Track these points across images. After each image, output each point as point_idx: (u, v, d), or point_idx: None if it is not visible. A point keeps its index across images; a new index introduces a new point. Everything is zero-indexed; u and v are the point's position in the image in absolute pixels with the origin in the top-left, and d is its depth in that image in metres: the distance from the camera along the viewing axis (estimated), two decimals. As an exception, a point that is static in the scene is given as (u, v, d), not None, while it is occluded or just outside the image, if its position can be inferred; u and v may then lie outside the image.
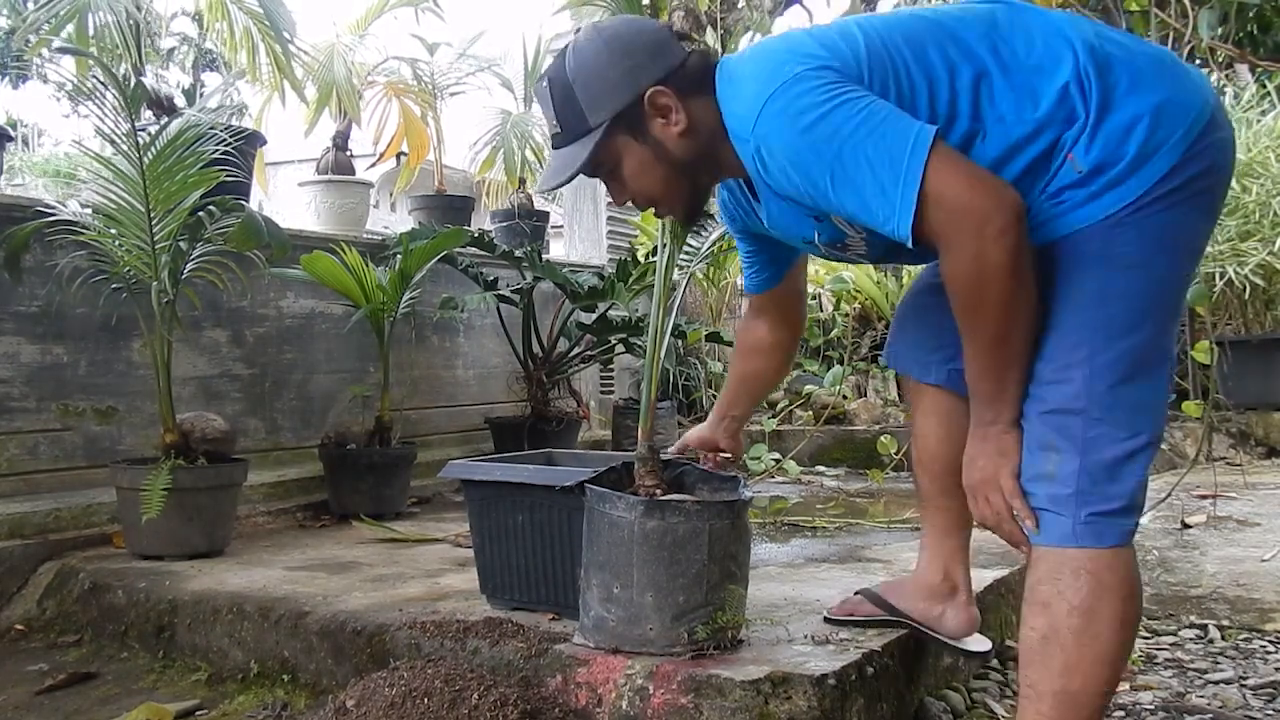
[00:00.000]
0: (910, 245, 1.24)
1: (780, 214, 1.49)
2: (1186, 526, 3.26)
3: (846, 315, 6.50)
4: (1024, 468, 1.32)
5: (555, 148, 1.49)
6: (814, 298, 6.87)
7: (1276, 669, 2.21)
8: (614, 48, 1.43)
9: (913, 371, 1.73)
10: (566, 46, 1.47)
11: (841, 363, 6.08)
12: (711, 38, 2.16)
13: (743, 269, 1.86)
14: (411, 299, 3.72)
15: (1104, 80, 1.28)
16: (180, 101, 3.62)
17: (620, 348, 4.62)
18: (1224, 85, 4.83)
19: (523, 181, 5.49)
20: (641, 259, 4.22)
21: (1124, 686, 2.08)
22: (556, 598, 2.04)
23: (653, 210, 1.55)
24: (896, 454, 4.71)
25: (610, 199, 5.99)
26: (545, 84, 1.46)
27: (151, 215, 2.79)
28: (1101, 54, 1.29)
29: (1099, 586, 1.26)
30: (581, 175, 1.47)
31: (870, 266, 6.58)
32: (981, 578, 2.32)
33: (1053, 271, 1.30)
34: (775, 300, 1.85)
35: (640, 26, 1.49)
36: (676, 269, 2.11)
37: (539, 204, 5.81)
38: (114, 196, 2.81)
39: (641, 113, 1.42)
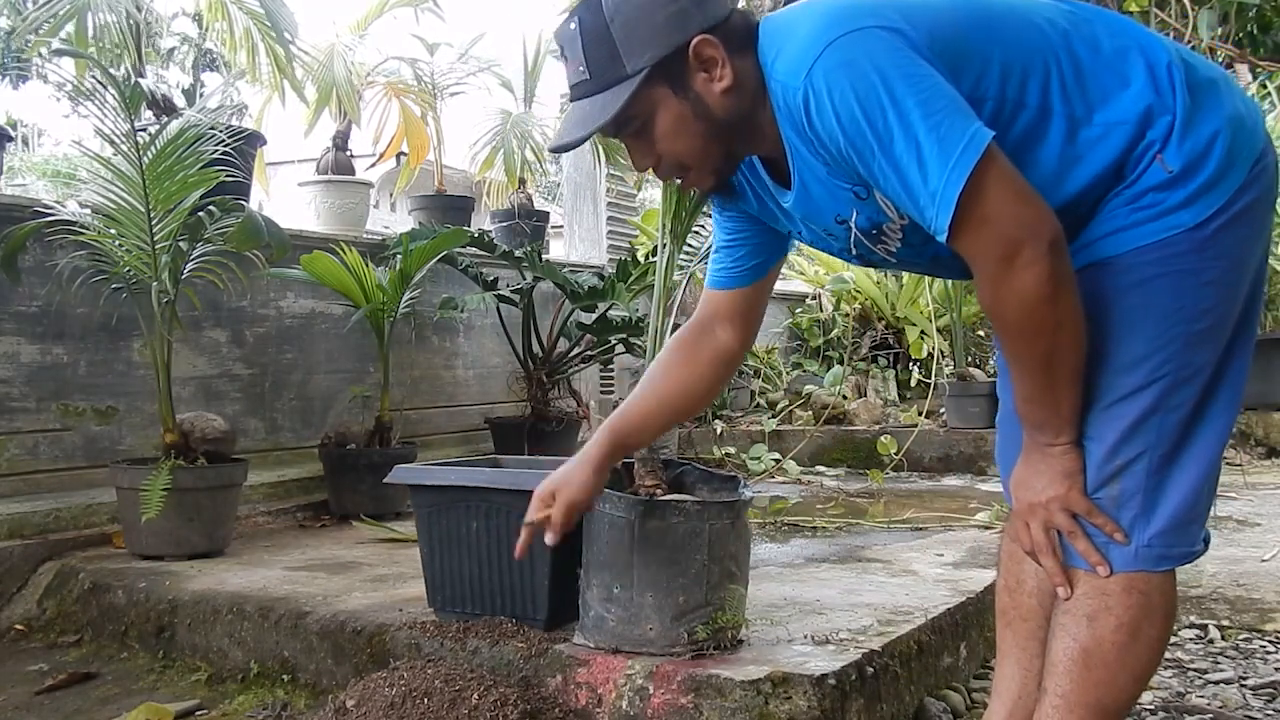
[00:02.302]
0: (947, 243, 1.16)
1: (816, 190, 1.32)
2: (1186, 526, 3.26)
3: (847, 315, 6.51)
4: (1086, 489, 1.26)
5: (577, 98, 1.31)
6: (814, 298, 6.88)
7: (1276, 669, 2.21)
8: None
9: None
10: None
11: (841, 363, 6.09)
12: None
13: (716, 260, 1.59)
14: (411, 299, 3.72)
15: (1190, 79, 1.24)
16: (180, 102, 3.62)
17: (620, 348, 4.62)
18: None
19: (523, 181, 5.50)
20: (641, 259, 4.22)
21: (1124, 686, 2.08)
22: (514, 608, 1.97)
23: (678, 180, 1.40)
24: (896, 454, 4.72)
25: (608, 191, 5.99)
26: (574, 24, 1.29)
27: (151, 215, 2.79)
28: (1179, 56, 1.25)
29: (1148, 605, 1.24)
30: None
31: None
32: (983, 578, 2.33)
33: (1134, 280, 1.22)
34: (747, 301, 1.58)
35: None
36: (676, 269, 2.11)
37: (539, 204, 5.81)
38: (114, 196, 2.81)
39: (684, 64, 1.27)
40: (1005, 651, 1.51)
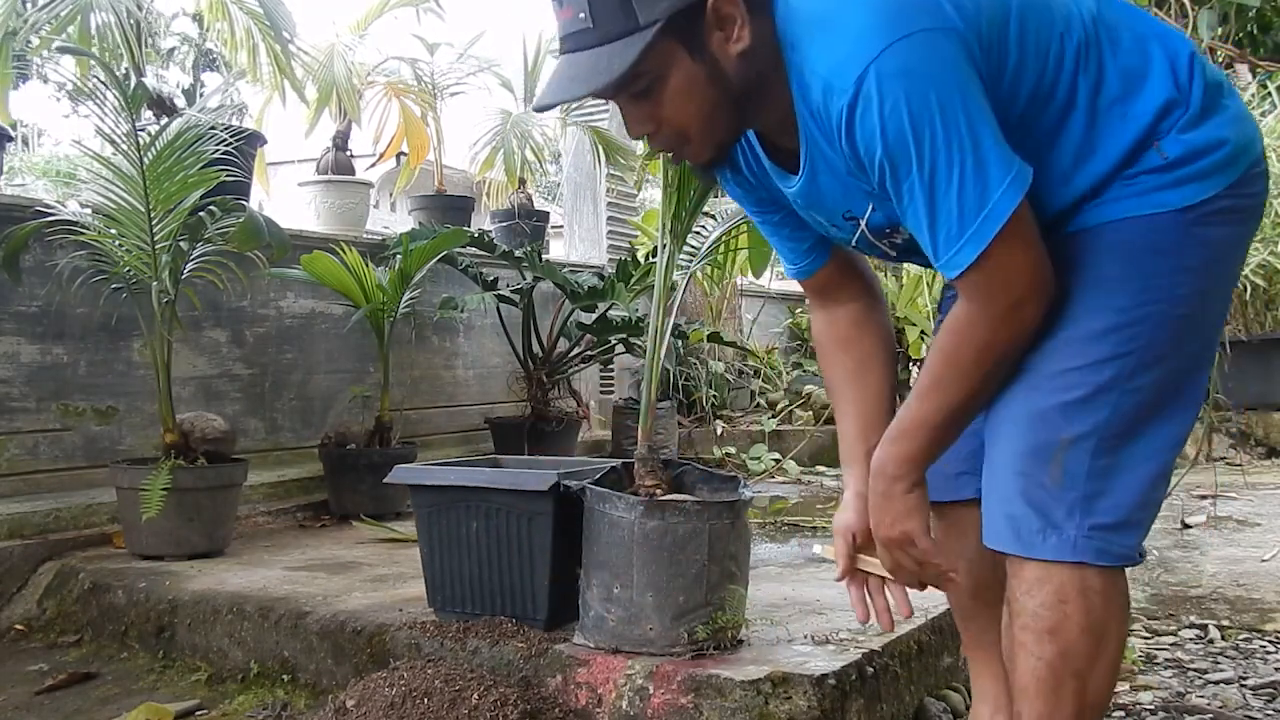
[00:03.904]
0: (953, 278, 1.16)
1: (827, 183, 1.26)
2: (1186, 526, 3.27)
3: (846, 315, 6.50)
4: (1015, 473, 1.21)
5: (572, 50, 1.16)
6: (814, 298, 6.87)
7: (1276, 669, 2.21)
8: None
9: (941, 493, 1.43)
10: None
11: (841, 363, 6.10)
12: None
13: (780, 251, 1.50)
14: (411, 299, 3.72)
15: (1207, 77, 1.23)
16: (180, 101, 3.62)
17: (620, 348, 4.63)
18: (1224, 85, 4.83)
19: (523, 181, 5.50)
20: (641, 259, 4.22)
21: (1124, 686, 2.08)
22: (514, 608, 1.97)
23: (671, 150, 1.26)
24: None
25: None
26: None
27: (152, 215, 2.79)
28: (1196, 52, 1.26)
29: (1107, 604, 1.19)
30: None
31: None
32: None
33: (1114, 248, 1.20)
34: (844, 270, 1.47)
35: None
36: (677, 269, 2.11)
37: (539, 204, 5.81)
38: (114, 196, 2.81)
39: (701, 19, 1.15)
40: (971, 652, 1.52)
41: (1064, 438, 1.19)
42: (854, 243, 1.35)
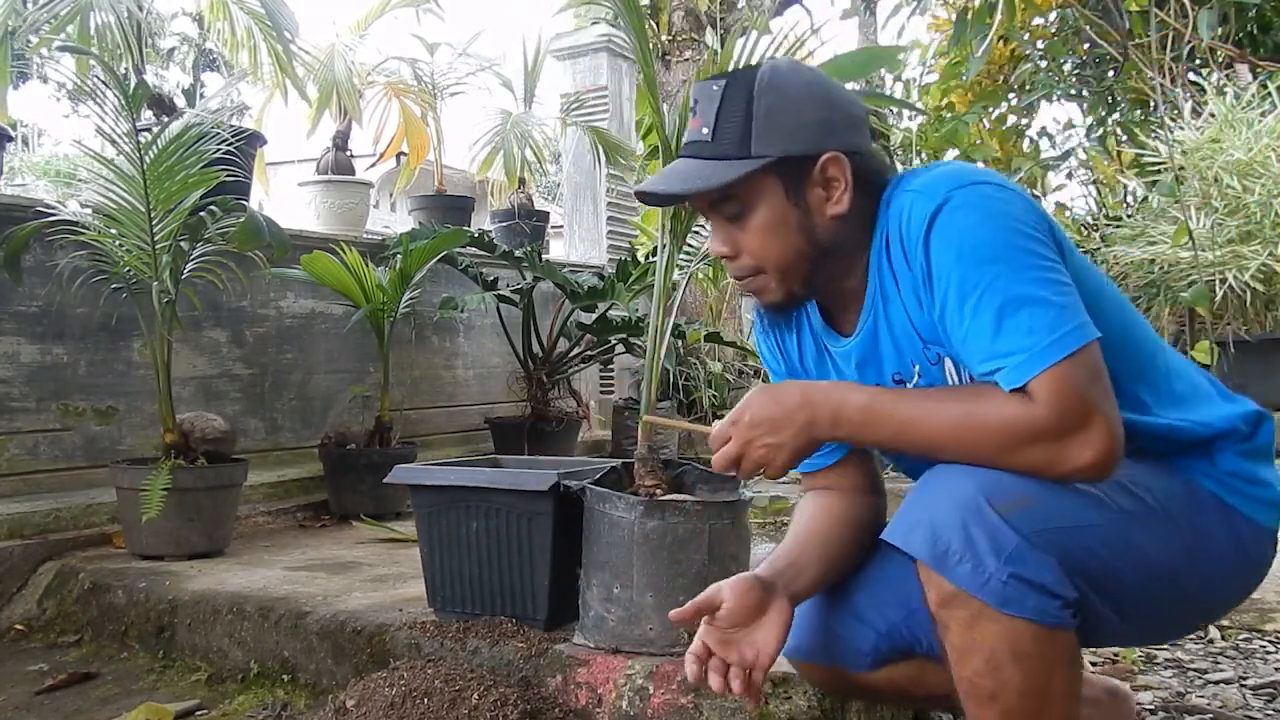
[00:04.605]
0: (1006, 389, 1.10)
1: (886, 339, 1.28)
2: (1187, 527, 3.26)
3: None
4: (972, 480, 1.13)
5: (687, 155, 1.27)
6: (814, 298, 6.87)
7: (1276, 669, 2.21)
8: (816, 91, 1.25)
9: (842, 660, 1.41)
10: (763, 63, 1.29)
11: (841, 363, 6.10)
12: (711, 38, 2.13)
13: None
14: (411, 299, 3.72)
15: (1272, 433, 1.26)
16: (180, 101, 3.62)
17: (620, 348, 4.63)
18: (1224, 85, 4.82)
19: (523, 181, 5.49)
20: (641, 259, 4.22)
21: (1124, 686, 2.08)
22: (514, 608, 1.97)
23: (745, 280, 1.31)
24: (896, 454, 4.71)
25: (605, 211, 5.99)
26: (720, 86, 1.25)
27: (152, 215, 2.79)
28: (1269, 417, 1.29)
29: (1045, 664, 1.12)
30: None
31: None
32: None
33: (1148, 459, 1.21)
34: (856, 468, 1.46)
35: (845, 89, 1.33)
36: (676, 269, 2.11)
37: (539, 204, 5.81)
38: (114, 196, 2.81)
39: (808, 172, 1.24)
40: None
41: (1033, 495, 1.12)
42: None
